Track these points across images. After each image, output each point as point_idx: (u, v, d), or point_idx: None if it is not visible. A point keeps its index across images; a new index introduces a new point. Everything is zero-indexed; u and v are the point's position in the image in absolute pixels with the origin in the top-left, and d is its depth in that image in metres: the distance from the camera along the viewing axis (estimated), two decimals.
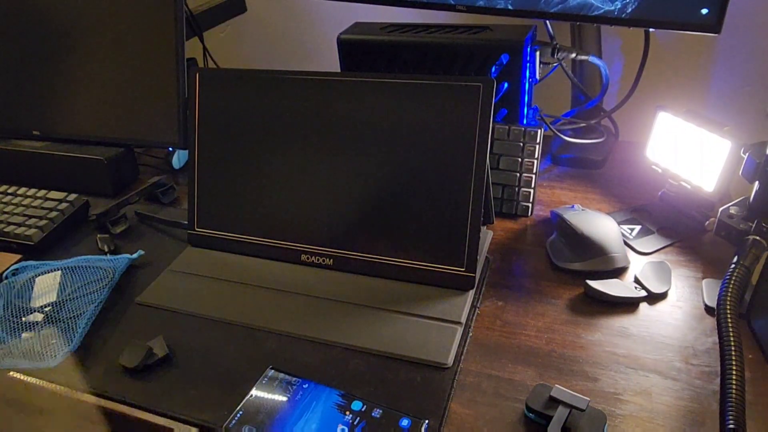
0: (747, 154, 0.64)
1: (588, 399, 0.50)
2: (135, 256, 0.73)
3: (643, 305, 0.63)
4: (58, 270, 0.69)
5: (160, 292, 0.68)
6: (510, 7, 0.78)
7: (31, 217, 0.80)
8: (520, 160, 0.78)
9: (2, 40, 0.92)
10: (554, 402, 0.50)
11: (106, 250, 0.76)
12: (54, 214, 0.80)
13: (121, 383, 0.57)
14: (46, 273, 0.69)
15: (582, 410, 0.49)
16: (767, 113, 0.87)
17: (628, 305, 0.63)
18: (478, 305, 0.64)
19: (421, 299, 0.64)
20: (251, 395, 0.53)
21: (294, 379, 0.54)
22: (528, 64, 0.81)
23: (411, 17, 1.04)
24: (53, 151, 0.89)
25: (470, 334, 0.61)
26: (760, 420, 0.50)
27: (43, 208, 0.81)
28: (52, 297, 0.66)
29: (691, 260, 0.69)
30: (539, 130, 0.77)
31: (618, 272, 0.67)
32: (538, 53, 0.82)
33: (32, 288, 0.67)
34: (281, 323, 0.62)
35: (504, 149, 0.78)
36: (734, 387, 0.47)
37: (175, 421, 0.53)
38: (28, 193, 0.85)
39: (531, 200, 0.78)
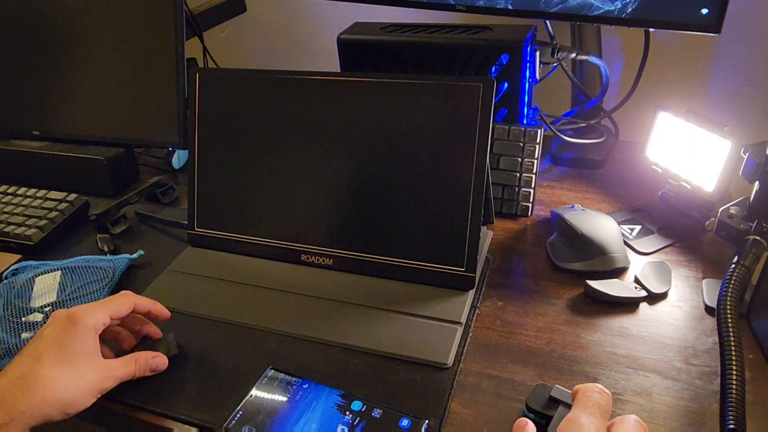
0: (747, 154, 0.64)
1: None
2: (135, 256, 0.73)
3: (643, 305, 0.63)
4: (58, 270, 0.69)
5: (159, 292, 0.68)
6: (510, 7, 0.78)
7: (31, 217, 0.80)
8: (520, 160, 0.78)
9: (2, 40, 0.92)
10: (554, 402, 0.50)
11: (106, 250, 0.76)
12: (54, 214, 0.80)
13: (121, 383, 0.57)
14: (46, 273, 0.69)
15: None
16: (767, 113, 0.87)
17: (628, 305, 0.63)
18: (478, 305, 0.64)
19: (421, 299, 0.64)
20: (251, 395, 0.53)
21: (294, 379, 0.54)
22: (528, 64, 0.81)
23: (411, 17, 1.04)
24: (53, 151, 0.89)
25: (470, 334, 0.61)
26: (760, 420, 0.50)
27: (43, 208, 0.81)
28: (52, 297, 0.66)
29: (691, 260, 0.69)
30: (539, 130, 0.77)
31: (618, 272, 0.67)
32: (538, 53, 0.82)
33: (32, 288, 0.67)
34: (281, 323, 0.62)
35: (504, 149, 0.78)
36: (734, 387, 0.47)
37: (175, 421, 0.53)
38: (28, 193, 0.85)
39: (531, 200, 0.78)
